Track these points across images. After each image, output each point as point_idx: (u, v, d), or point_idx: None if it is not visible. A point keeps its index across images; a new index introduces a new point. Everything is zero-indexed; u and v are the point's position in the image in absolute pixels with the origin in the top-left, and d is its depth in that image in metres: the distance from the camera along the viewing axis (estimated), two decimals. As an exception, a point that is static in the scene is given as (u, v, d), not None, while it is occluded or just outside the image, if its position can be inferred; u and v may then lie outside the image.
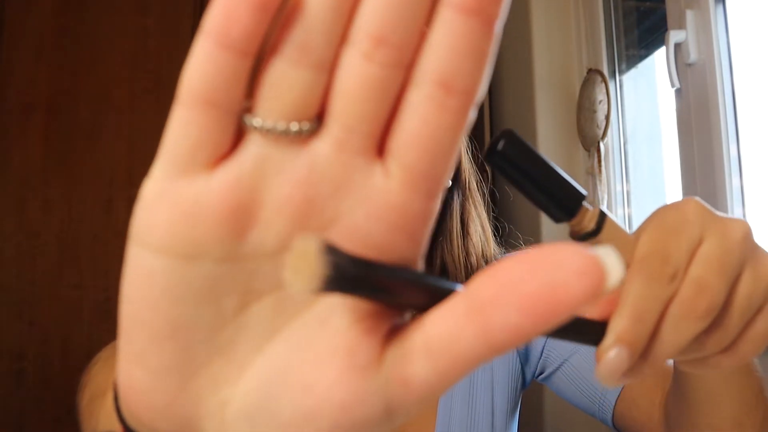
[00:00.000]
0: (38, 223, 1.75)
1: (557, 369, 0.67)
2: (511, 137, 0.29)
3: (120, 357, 0.20)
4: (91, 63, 1.83)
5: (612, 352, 0.26)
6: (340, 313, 0.19)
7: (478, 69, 0.18)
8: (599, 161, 1.55)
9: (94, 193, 1.77)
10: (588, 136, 1.60)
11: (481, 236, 0.68)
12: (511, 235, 0.75)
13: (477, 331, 0.16)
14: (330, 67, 0.18)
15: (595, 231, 0.29)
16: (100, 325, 1.71)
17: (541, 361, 0.69)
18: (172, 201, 0.19)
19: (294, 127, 0.18)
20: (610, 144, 1.58)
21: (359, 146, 0.18)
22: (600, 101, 1.55)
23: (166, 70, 1.86)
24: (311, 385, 0.18)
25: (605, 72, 1.59)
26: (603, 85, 1.56)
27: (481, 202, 0.70)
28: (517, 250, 0.74)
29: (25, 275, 1.73)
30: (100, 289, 1.73)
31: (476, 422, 0.66)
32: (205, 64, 0.18)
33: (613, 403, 0.61)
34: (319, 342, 0.19)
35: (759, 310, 0.29)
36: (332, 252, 0.17)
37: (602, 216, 0.30)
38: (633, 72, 1.60)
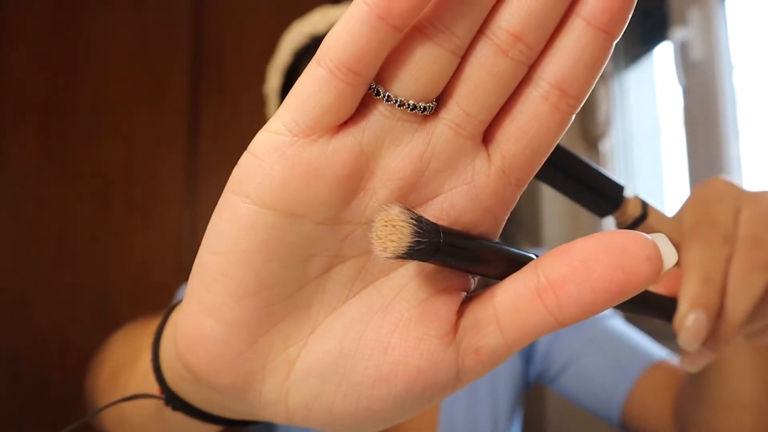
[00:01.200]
0: (35, 223, 1.74)
1: (563, 371, 0.66)
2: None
3: (190, 307, 0.20)
4: (89, 62, 1.82)
5: (690, 317, 0.28)
6: (418, 284, 0.20)
7: (592, 78, 0.20)
8: (600, 160, 1.54)
9: (91, 192, 1.76)
10: (589, 136, 1.59)
11: None
12: (514, 237, 0.74)
13: (549, 307, 0.18)
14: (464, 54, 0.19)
15: (642, 217, 0.30)
16: (98, 325, 1.69)
17: (544, 361, 0.68)
18: (290, 159, 0.19)
19: (422, 105, 0.19)
20: (611, 143, 1.57)
21: (474, 131, 0.20)
22: (601, 100, 1.54)
23: (164, 69, 1.85)
24: (388, 349, 0.20)
25: (606, 71, 1.59)
26: (604, 84, 1.55)
27: None
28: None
29: (22, 274, 1.72)
30: (98, 289, 1.72)
31: (479, 423, 0.66)
32: (358, 33, 0.18)
33: (623, 403, 0.60)
34: (397, 309, 0.20)
35: None
36: (419, 221, 0.18)
37: (644, 202, 0.31)
38: (634, 71, 1.60)
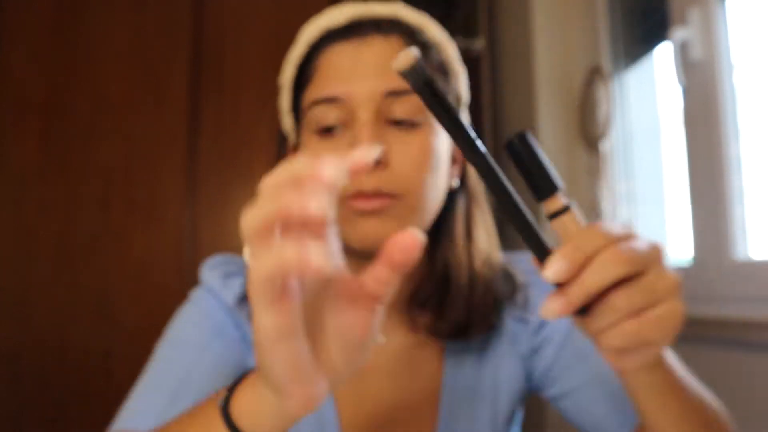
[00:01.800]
0: (35, 224, 1.74)
1: (565, 396, 0.66)
2: (524, 136, 0.39)
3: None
4: (88, 62, 1.82)
5: (554, 260, 0.37)
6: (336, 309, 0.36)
7: None
8: (601, 160, 1.54)
9: (91, 192, 1.76)
10: (589, 135, 1.59)
11: (486, 242, 0.67)
12: (512, 242, 0.74)
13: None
14: None
15: (555, 215, 0.40)
16: (98, 325, 1.69)
17: (545, 378, 0.68)
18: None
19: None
20: (611, 142, 1.57)
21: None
22: (601, 100, 1.54)
23: (164, 68, 1.85)
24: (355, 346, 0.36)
25: (607, 71, 1.59)
26: (604, 83, 1.55)
27: (488, 209, 0.69)
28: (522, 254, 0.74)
29: (22, 275, 1.72)
30: (98, 289, 1.72)
31: (478, 423, 0.65)
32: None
33: None
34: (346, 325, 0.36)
35: (656, 302, 0.37)
36: (421, 60, 0.35)
37: (567, 207, 0.40)
38: (635, 71, 1.59)
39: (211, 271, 0.68)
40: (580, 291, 0.37)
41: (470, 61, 2.05)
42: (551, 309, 0.37)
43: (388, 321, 0.66)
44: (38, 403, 1.67)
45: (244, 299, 0.65)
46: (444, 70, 0.63)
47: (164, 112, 1.83)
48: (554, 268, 0.37)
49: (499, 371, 0.68)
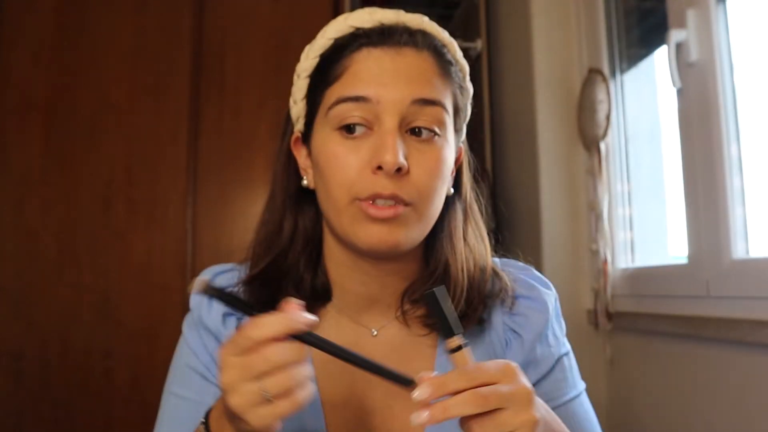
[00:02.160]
0: (37, 223, 1.75)
1: None
2: (433, 294, 0.52)
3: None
4: (90, 63, 1.83)
5: (423, 385, 0.48)
6: None
7: None
8: (600, 161, 1.54)
9: (92, 192, 1.77)
10: (588, 136, 1.60)
11: (479, 248, 0.70)
12: (512, 242, 0.76)
13: None
14: None
15: (451, 351, 0.52)
16: (99, 324, 1.70)
17: None
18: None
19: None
20: (610, 143, 1.58)
21: None
22: (600, 101, 1.55)
23: (165, 69, 1.86)
24: None
25: (606, 72, 1.59)
26: (603, 84, 1.55)
27: (480, 216, 0.72)
28: (517, 259, 0.75)
29: (24, 275, 1.72)
30: (99, 289, 1.72)
31: None
32: None
33: None
34: None
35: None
36: (210, 284, 0.49)
37: (460, 347, 0.52)
38: (634, 71, 1.60)
39: (194, 295, 0.69)
40: (440, 415, 0.47)
41: (470, 62, 2.06)
42: (419, 417, 0.47)
43: (381, 317, 0.68)
44: (39, 402, 1.68)
45: (228, 314, 0.67)
46: (461, 87, 0.66)
47: (165, 112, 1.84)
48: (420, 391, 0.48)
49: (488, 358, 0.69)
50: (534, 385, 0.68)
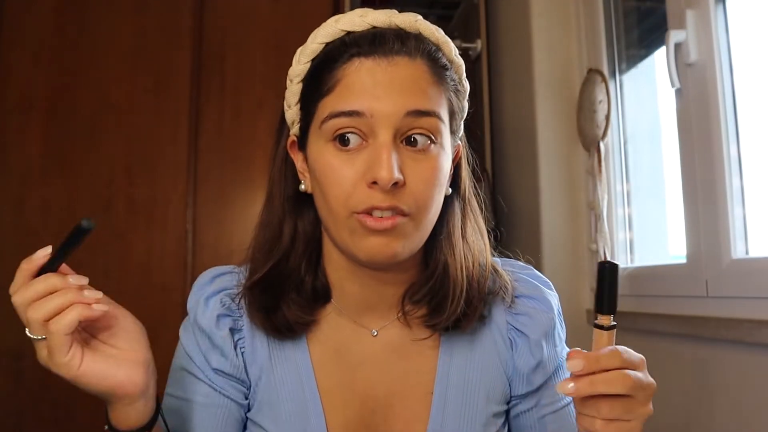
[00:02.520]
0: (37, 223, 1.75)
1: (524, 414, 0.70)
2: (615, 266, 0.53)
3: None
4: (90, 63, 1.83)
5: (574, 357, 0.49)
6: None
7: None
8: (599, 161, 1.54)
9: (92, 192, 1.77)
10: (588, 136, 1.60)
11: (479, 245, 0.70)
12: (511, 241, 0.77)
13: None
14: None
15: (600, 327, 0.52)
16: (99, 325, 1.70)
17: (510, 405, 0.71)
18: None
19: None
20: (610, 144, 1.58)
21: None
22: (600, 101, 1.55)
23: (164, 69, 1.86)
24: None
25: (605, 72, 1.59)
26: (603, 85, 1.55)
27: (479, 212, 0.72)
28: (516, 257, 0.76)
29: (24, 275, 1.72)
30: (99, 288, 1.72)
31: (471, 417, 0.66)
32: None
33: None
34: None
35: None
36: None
37: (613, 326, 0.51)
38: (633, 72, 1.60)
39: (192, 297, 0.70)
40: (588, 388, 0.48)
41: (469, 62, 2.06)
42: (565, 387, 0.49)
43: (381, 319, 0.68)
44: (39, 402, 1.68)
45: (222, 315, 0.67)
46: (457, 89, 0.65)
47: (165, 112, 1.84)
48: (574, 363, 0.49)
49: (491, 367, 0.69)
50: (540, 387, 0.69)
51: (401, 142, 0.59)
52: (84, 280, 0.58)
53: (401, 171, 0.58)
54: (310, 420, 0.65)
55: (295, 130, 0.66)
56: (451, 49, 0.65)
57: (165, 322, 1.85)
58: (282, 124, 0.69)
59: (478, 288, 0.67)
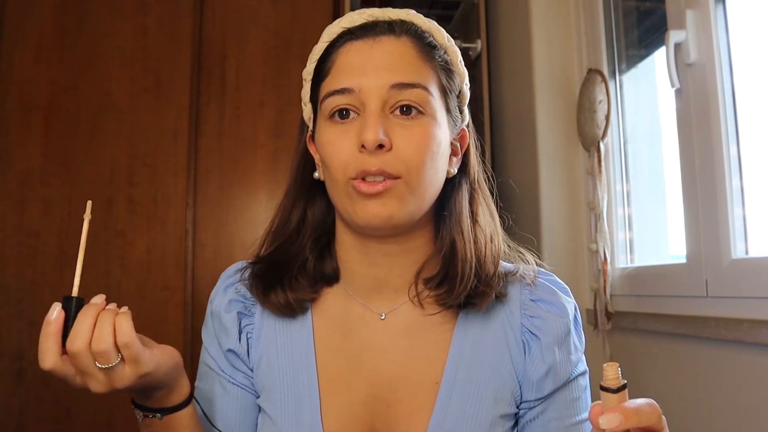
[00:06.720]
0: (38, 223, 1.75)
1: (531, 424, 0.69)
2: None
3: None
4: (91, 63, 1.83)
5: (616, 413, 0.48)
6: None
7: None
8: (599, 161, 1.55)
9: (93, 192, 1.77)
10: (588, 136, 1.60)
11: (490, 224, 0.72)
12: (512, 229, 0.78)
13: None
14: None
15: (614, 390, 0.51)
16: (100, 325, 1.70)
17: (522, 404, 0.70)
18: None
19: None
20: (610, 144, 1.58)
21: None
22: (600, 101, 1.55)
23: (165, 69, 1.86)
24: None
25: (605, 72, 1.59)
26: (603, 85, 1.56)
27: (490, 195, 0.74)
28: (520, 242, 0.76)
29: (25, 275, 1.73)
30: (99, 288, 1.72)
31: (478, 406, 0.66)
32: None
33: None
34: None
35: None
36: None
37: (624, 386, 0.51)
38: (633, 72, 1.60)
39: (214, 288, 0.75)
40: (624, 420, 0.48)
41: (469, 62, 2.06)
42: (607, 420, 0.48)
43: (390, 302, 0.69)
44: (40, 402, 1.68)
45: (234, 301, 0.72)
46: (448, 69, 0.68)
47: (165, 112, 1.84)
48: (610, 418, 0.48)
49: (502, 363, 0.69)
50: (548, 395, 0.69)
51: (393, 112, 0.63)
52: (101, 298, 0.62)
53: (388, 135, 0.61)
54: (304, 403, 0.66)
55: (310, 125, 0.71)
56: (442, 36, 0.69)
57: (165, 322, 1.86)
58: (302, 124, 0.74)
59: (494, 267, 0.68)
